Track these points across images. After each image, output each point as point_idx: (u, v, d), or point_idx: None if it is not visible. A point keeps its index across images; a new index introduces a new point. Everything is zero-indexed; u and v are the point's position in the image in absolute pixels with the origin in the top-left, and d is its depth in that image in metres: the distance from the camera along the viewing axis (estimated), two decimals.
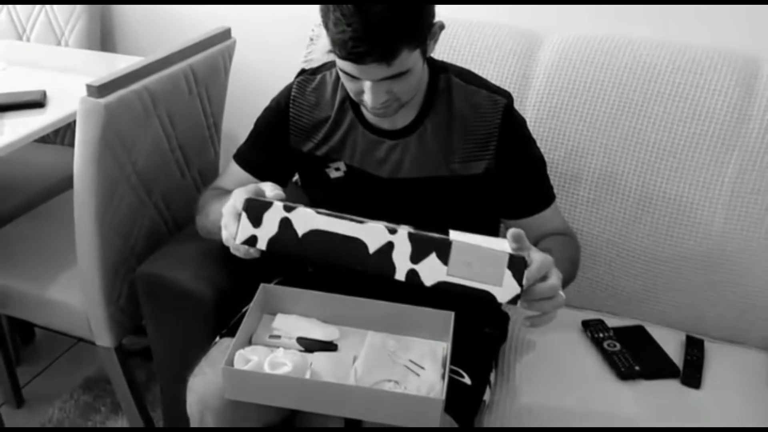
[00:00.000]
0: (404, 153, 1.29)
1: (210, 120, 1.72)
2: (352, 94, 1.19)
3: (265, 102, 1.39)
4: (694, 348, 1.48)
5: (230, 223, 1.05)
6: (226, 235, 1.06)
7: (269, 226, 1.00)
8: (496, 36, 1.66)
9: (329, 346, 1.20)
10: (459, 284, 0.96)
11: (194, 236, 1.47)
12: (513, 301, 0.96)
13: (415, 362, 1.17)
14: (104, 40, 2.28)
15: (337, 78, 1.31)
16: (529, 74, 1.61)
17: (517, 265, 0.96)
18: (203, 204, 1.36)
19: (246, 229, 1.00)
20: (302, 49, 1.78)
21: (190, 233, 1.53)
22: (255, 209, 1.00)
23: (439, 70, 1.30)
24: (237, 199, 1.06)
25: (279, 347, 1.16)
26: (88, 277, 1.51)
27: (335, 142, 1.31)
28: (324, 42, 1.69)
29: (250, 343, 1.21)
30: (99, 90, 1.32)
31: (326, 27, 1.08)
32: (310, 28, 1.78)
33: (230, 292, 1.45)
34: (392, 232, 0.98)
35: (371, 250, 0.98)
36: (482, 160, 1.27)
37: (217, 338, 1.34)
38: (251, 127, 1.40)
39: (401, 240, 0.98)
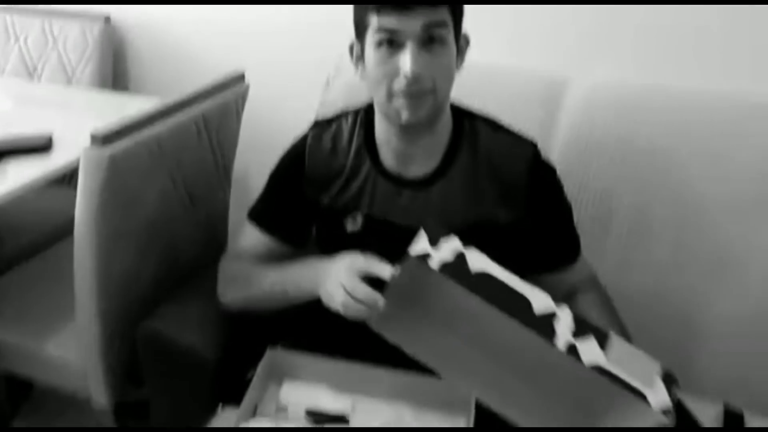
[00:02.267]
0: (427, 203, 1.23)
1: (220, 165, 1.67)
2: (383, 82, 1.12)
3: (277, 144, 1.34)
4: (733, 422, 1.38)
5: (349, 303, 1.06)
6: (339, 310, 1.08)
7: (445, 253, 1.01)
8: (519, 81, 1.60)
9: (340, 420, 1.13)
10: (616, 374, 0.95)
11: (200, 292, 1.42)
12: (664, 412, 0.94)
13: None
14: (117, 79, 2.25)
15: (353, 125, 1.27)
16: (554, 122, 1.55)
17: (669, 378, 0.97)
18: (236, 276, 1.32)
19: (422, 244, 1.01)
20: (318, 93, 1.72)
21: (196, 289, 1.48)
22: (434, 231, 1.02)
23: (463, 115, 1.26)
24: (348, 275, 1.07)
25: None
26: (86, 333, 1.45)
27: (352, 192, 1.25)
28: (341, 85, 1.66)
29: (254, 412, 1.13)
30: (104, 139, 1.26)
31: None
32: (326, 72, 1.73)
33: (235, 354, 1.38)
34: (557, 304, 0.98)
35: (535, 311, 0.98)
36: (510, 209, 1.23)
37: (220, 406, 1.25)
38: (263, 169, 1.34)
39: (565, 314, 0.98)
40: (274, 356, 1.19)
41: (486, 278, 0.99)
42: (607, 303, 1.31)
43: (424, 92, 1.11)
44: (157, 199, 1.46)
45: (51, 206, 1.95)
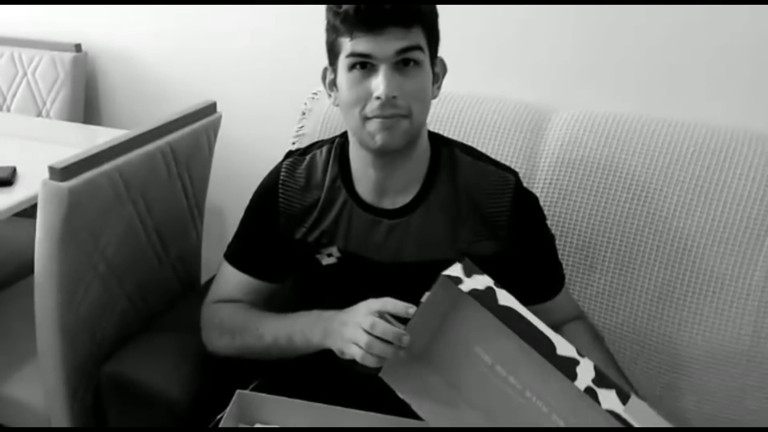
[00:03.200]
0: (405, 234, 1.20)
1: (192, 201, 1.63)
2: (356, 106, 1.11)
3: (254, 176, 1.30)
4: None
5: (373, 344, 1.02)
6: (360, 355, 1.04)
7: (476, 283, 1.01)
8: (501, 111, 1.58)
9: None
10: (631, 424, 0.94)
11: (168, 329, 1.38)
12: None
13: None
14: (88, 111, 2.21)
15: (328, 156, 1.25)
16: (537, 152, 1.53)
17: None
18: (225, 323, 1.27)
19: (456, 271, 1.01)
20: (294, 123, 1.69)
21: (164, 328, 1.44)
22: (468, 266, 1.03)
23: (441, 143, 1.24)
24: (367, 316, 1.05)
25: None
26: (49, 374, 1.39)
27: (327, 225, 1.22)
28: (317, 115, 1.64)
29: None
30: (62, 172, 1.22)
31: (335, 11, 1.09)
32: (302, 102, 1.70)
33: (206, 396, 1.32)
34: (580, 355, 0.98)
35: (558, 353, 0.98)
36: (492, 240, 1.20)
37: None
38: (238, 202, 1.31)
39: (587, 365, 0.98)
40: (242, 398, 1.14)
41: (513, 313, 1.00)
42: (596, 334, 1.30)
43: (399, 115, 1.09)
44: (123, 235, 1.42)
45: (16, 242, 1.89)
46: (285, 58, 1.90)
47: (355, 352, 1.04)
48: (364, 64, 1.08)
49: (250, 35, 1.95)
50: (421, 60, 1.09)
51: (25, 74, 2.18)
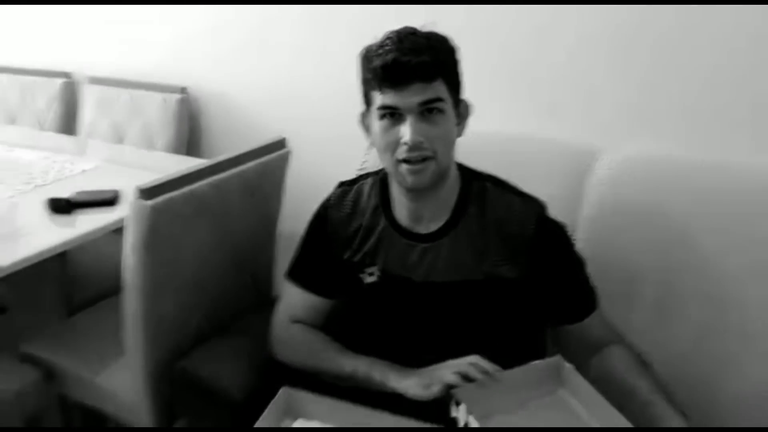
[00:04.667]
0: (437, 257, 1.30)
1: (264, 224, 1.78)
2: (387, 151, 1.22)
3: None
4: None
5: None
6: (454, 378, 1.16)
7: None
8: (548, 151, 1.63)
9: None
10: None
11: (235, 335, 1.52)
12: None
13: None
14: (191, 145, 2.46)
15: (372, 186, 1.37)
16: (581, 192, 1.56)
17: None
18: (293, 340, 1.41)
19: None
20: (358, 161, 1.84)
21: (233, 332, 1.59)
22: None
23: (472, 176, 1.34)
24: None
25: None
26: (134, 370, 1.57)
27: (369, 247, 1.34)
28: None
29: None
30: (147, 192, 1.41)
31: (368, 66, 1.20)
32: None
33: (261, 394, 1.39)
34: None
35: None
36: (517, 264, 1.27)
37: None
38: None
39: None
40: (287, 394, 1.24)
41: None
42: (641, 360, 1.31)
43: (425, 158, 1.20)
44: (200, 253, 1.58)
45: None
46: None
47: (447, 377, 1.16)
48: (392, 114, 1.20)
49: (326, 79, 2.13)
50: (444, 108, 1.20)
51: (141, 113, 2.46)
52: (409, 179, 1.22)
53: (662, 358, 1.40)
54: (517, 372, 1.18)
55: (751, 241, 1.39)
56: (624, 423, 1.08)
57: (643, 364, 1.30)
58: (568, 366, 1.19)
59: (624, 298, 1.49)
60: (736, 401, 1.40)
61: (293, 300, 1.43)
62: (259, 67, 2.29)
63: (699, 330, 1.43)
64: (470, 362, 1.17)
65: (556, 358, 1.20)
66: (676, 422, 1.16)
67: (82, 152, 2.38)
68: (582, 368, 1.29)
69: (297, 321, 1.42)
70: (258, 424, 1.17)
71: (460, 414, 1.11)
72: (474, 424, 1.08)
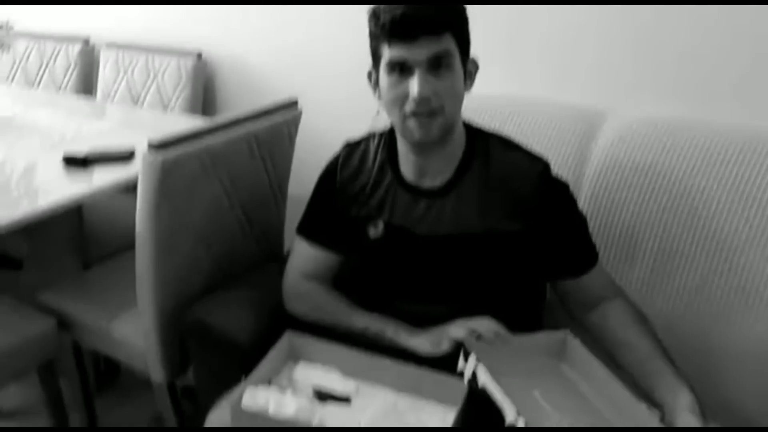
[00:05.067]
0: (441, 211, 1.32)
1: (274, 184, 1.81)
2: (395, 105, 1.24)
3: None
4: None
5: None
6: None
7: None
8: (556, 113, 1.66)
9: (342, 400, 1.21)
10: None
11: (243, 286, 1.55)
12: None
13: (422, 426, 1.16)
14: (206, 106, 2.51)
15: (378, 144, 1.40)
16: (588, 152, 1.60)
17: None
18: (305, 294, 1.46)
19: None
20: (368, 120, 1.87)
21: (241, 283, 1.63)
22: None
23: (478, 134, 1.36)
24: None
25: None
26: (146, 319, 1.62)
27: (375, 201, 1.37)
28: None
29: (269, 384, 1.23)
30: (158, 147, 1.45)
31: (376, 22, 1.21)
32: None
33: (269, 340, 1.45)
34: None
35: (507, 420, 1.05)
36: (519, 219, 1.30)
37: (243, 378, 1.39)
38: None
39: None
40: (291, 338, 1.29)
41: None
42: (641, 315, 1.34)
43: (433, 112, 1.22)
44: (210, 206, 1.62)
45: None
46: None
47: (458, 333, 1.21)
48: (401, 68, 1.21)
49: (338, 41, 2.16)
50: (452, 63, 1.21)
51: (155, 76, 2.51)
52: (417, 133, 1.24)
53: (660, 313, 1.46)
54: (526, 339, 1.22)
55: (753, 199, 1.42)
56: (627, 397, 1.11)
57: (642, 318, 1.33)
58: (574, 340, 1.21)
59: (625, 254, 1.53)
60: (732, 356, 1.44)
61: (303, 255, 1.47)
62: (273, 30, 2.32)
63: (698, 286, 1.46)
64: (481, 322, 1.22)
65: (564, 331, 1.23)
66: (673, 380, 1.20)
67: (99, 114, 2.42)
68: (581, 322, 1.35)
69: (307, 275, 1.46)
70: (261, 367, 1.21)
71: (468, 366, 1.14)
72: (482, 374, 1.10)
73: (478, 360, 1.12)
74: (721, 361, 1.44)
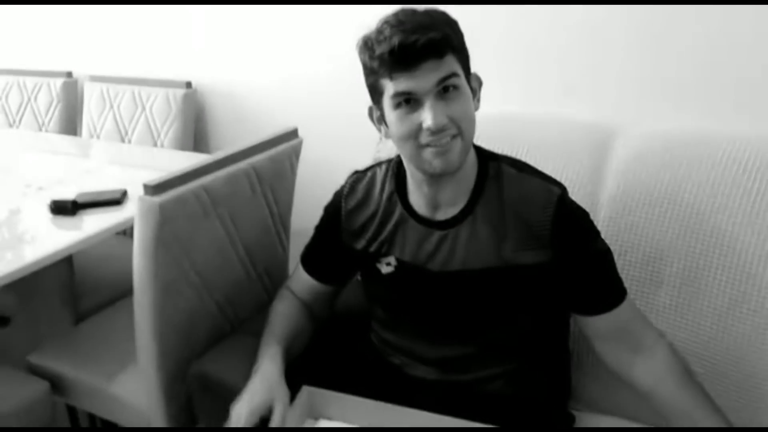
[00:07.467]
0: (455, 244, 1.25)
1: (276, 218, 1.73)
2: (409, 139, 1.16)
3: None
4: None
5: None
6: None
7: None
8: (566, 130, 1.60)
9: None
10: None
11: (251, 334, 1.45)
12: None
13: None
14: (198, 141, 2.41)
15: (386, 173, 1.34)
16: (603, 171, 1.52)
17: None
18: (270, 315, 1.43)
19: None
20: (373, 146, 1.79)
21: (248, 331, 1.53)
22: None
23: (488, 158, 1.29)
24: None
25: None
26: (147, 376, 1.53)
27: (385, 236, 1.31)
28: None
29: None
30: (155, 189, 1.36)
31: (371, 56, 1.14)
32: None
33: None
34: None
35: None
36: (536, 250, 1.22)
37: None
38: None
39: None
40: (310, 393, 1.22)
41: None
42: (684, 365, 1.27)
43: (452, 137, 1.15)
44: (212, 248, 1.54)
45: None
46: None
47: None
48: (408, 100, 1.13)
49: (331, 71, 2.10)
50: (459, 83, 1.14)
51: (143, 109, 2.41)
52: (436, 163, 1.16)
53: (688, 337, 1.42)
54: None
55: None
56: None
57: (690, 375, 1.25)
58: None
59: (648, 273, 1.45)
60: (765, 380, 1.35)
61: (300, 280, 1.46)
62: (264, 60, 2.25)
63: (725, 309, 1.38)
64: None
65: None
66: None
67: (85, 153, 2.34)
68: (610, 368, 1.29)
69: (300, 298, 1.45)
70: (278, 427, 1.16)
71: None
72: None
73: None
74: (753, 386, 1.37)
